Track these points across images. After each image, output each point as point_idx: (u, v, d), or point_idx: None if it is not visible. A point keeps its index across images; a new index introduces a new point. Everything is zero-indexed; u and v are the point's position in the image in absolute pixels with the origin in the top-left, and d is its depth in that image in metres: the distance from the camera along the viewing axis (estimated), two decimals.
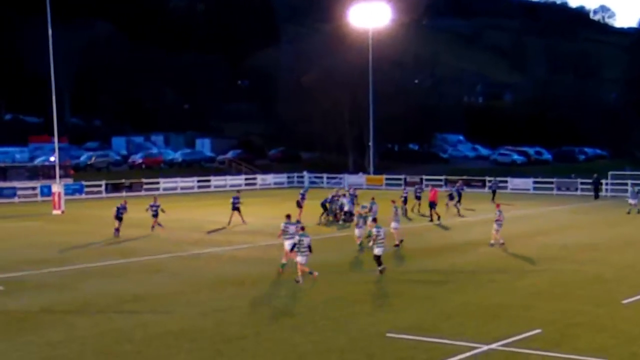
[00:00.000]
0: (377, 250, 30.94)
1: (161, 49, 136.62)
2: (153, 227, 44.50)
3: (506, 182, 78.20)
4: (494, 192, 67.49)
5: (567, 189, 75.65)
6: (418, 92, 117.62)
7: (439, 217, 50.82)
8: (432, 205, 51.20)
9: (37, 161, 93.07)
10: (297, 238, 29.71)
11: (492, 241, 38.94)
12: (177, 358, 19.73)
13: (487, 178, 76.07)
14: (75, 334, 22.07)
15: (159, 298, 26.95)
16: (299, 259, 29.32)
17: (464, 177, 77.00)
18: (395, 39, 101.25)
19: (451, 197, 57.92)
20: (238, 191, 51.91)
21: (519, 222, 50.95)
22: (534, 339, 21.23)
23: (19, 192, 70.78)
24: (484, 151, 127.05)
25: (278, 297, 26.94)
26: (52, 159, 78.10)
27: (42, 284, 29.65)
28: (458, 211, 55.87)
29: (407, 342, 20.96)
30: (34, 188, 72.17)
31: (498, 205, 40.24)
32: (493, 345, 20.58)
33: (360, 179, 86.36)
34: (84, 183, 75.17)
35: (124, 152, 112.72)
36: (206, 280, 30.21)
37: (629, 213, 55.61)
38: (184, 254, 36.66)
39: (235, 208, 48.23)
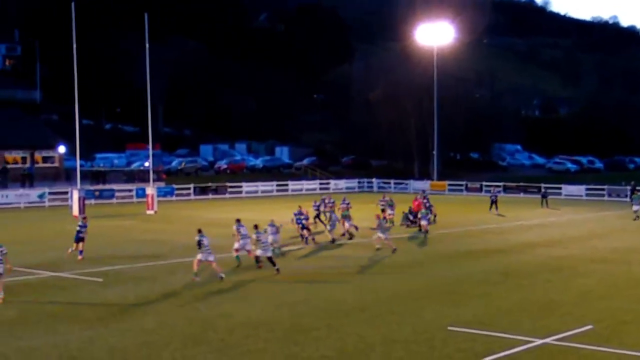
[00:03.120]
0: (258, 252, 31.06)
1: (245, 65, 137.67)
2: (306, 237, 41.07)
3: (560, 188, 77.05)
4: (544, 198, 66.43)
5: (618, 196, 74.20)
6: (479, 104, 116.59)
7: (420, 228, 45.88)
8: (415, 214, 47.52)
9: (133, 166, 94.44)
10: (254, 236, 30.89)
11: None
12: (256, 346, 19.79)
13: (543, 185, 75.05)
14: (165, 322, 22.28)
15: (240, 291, 27.09)
16: (259, 252, 30.87)
17: (521, 184, 75.97)
18: (458, 56, 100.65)
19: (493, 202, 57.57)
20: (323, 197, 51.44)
21: (573, 226, 50.18)
22: (585, 335, 20.87)
23: (117, 194, 71.78)
24: (539, 160, 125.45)
25: (348, 293, 26.86)
26: (146, 164, 79.12)
27: (137, 277, 30.01)
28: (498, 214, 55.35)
29: (467, 335, 20.75)
30: (130, 190, 73.13)
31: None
32: (547, 340, 20.27)
33: (425, 185, 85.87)
34: (175, 186, 75.91)
35: (211, 158, 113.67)
36: (282, 275, 30.25)
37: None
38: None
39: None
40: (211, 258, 29.10)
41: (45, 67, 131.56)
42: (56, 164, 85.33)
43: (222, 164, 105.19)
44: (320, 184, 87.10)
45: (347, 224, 41.56)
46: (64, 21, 58.68)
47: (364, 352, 19.27)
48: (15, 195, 68.05)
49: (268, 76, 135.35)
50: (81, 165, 65.25)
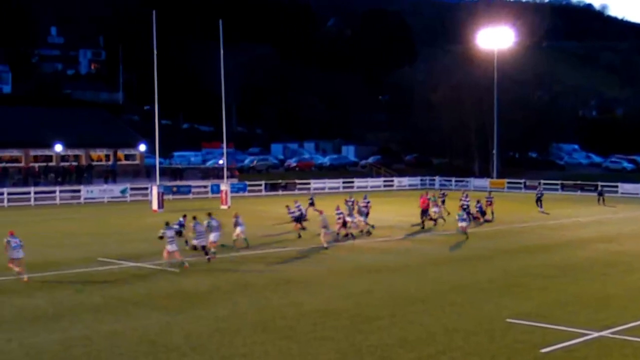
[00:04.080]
0: (195, 242, 32.13)
1: (313, 68, 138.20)
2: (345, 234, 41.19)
3: (617, 187, 75.59)
4: (600, 196, 65.15)
5: None
6: (537, 106, 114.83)
7: (423, 225, 44.43)
8: (424, 212, 44.79)
9: (209, 164, 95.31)
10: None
11: None
12: (322, 333, 19.83)
13: (599, 183, 73.62)
14: (237, 310, 22.46)
15: (308, 281, 27.16)
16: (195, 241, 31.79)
17: (578, 182, 74.72)
18: (517, 59, 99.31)
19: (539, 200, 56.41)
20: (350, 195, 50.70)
21: (628, 223, 49.19)
22: None
23: (193, 190, 72.54)
24: (596, 159, 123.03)
25: (411, 284, 26.75)
26: (220, 162, 79.82)
27: (210, 267, 30.30)
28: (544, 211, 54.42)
29: (525, 327, 20.50)
30: (205, 186, 73.86)
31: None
32: (603, 332, 19.92)
33: (484, 182, 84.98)
34: (247, 183, 76.44)
35: (281, 156, 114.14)
36: (348, 267, 30.29)
37: None
38: (331, 245, 36.82)
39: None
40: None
41: (127, 70, 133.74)
42: (137, 162, 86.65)
43: (292, 162, 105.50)
44: (385, 181, 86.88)
45: (362, 221, 41.13)
46: (145, 28, 59.54)
47: (425, 342, 19.17)
48: (100, 191, 69.29)
49: (335, 78, 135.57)
50: (160, 163, 66.13)
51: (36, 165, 77.15)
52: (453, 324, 20.80)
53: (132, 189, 69.83)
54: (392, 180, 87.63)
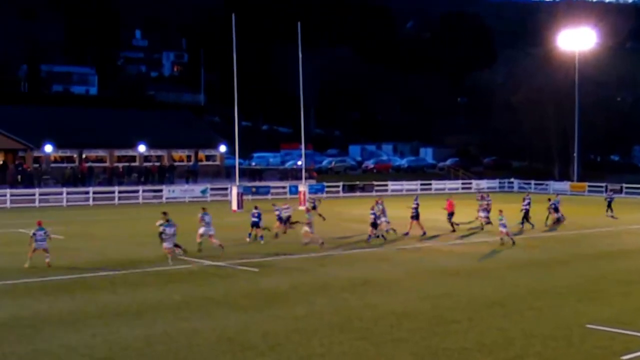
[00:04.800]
0: (200, 230, 33.74)
1: (391, 70, 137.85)
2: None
3: None
4: None
5: None
6: (620, 108, 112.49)
7: (453, 228, 43.54)
8: (450, 215, 43.95)
9: (287, 165, 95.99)
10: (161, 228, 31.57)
11: None
12: (398, 335, 19.77)
13: None
14: (314, 310, 22.55)
15: (385, 283, 27.10)
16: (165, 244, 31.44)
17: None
18: (599, 60, 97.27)
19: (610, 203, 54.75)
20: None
21: None
22: None
23: (272, 190, 73.12)
24: None
25: (489, 287, 26.46)
26: (299, 163, 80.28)
27: (289, 268, 30.50)
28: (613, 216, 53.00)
29: (605, 334, 20.08)
30: (284, 187, 74.39)
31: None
32: None
33: (564, 185, 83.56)
34: (325, 184, 76.74)
35: (359, 158, 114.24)
36: (426, 269, 30.14)
37: None
38: (407, 247, 36.72)
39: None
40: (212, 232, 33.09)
41: (209, 72, 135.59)
42: (217, 162, 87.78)
43: (370, 164, 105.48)
44: (463, 183, 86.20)
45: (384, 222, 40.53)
46: (227, 31, 60.31)
47: (503, 346, 18.94)
48: (181, 190, 70.44)
49: (414, 80, 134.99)
50: (240, 164, 66.90)
51: (120, 165, 78.82)
52: (531, 329, 20.51)
53: (212, 189, 70.78)
54: (470, 183, 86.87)
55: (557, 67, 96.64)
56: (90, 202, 62.89)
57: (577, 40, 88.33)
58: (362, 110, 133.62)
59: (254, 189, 71.26)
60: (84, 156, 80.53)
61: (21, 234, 34.32)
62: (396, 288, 26.19)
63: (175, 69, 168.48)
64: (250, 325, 20.78)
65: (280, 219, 40.99)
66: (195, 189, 71.30)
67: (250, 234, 38.37)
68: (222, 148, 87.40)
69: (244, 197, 61.14)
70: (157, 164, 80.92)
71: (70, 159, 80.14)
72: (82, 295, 24.70)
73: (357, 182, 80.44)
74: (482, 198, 47.33)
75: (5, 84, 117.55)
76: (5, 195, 62.18)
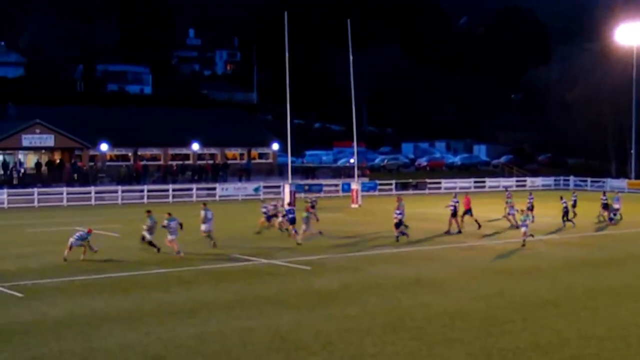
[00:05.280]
0: (202, 227, 34.72)
1: (444, 67, 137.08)
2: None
3: None
4: None
5: None
6: None
7: (459, 229, 42.18)
8: (468, 212, 42.97)
9: (340, 162, 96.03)
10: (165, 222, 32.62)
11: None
12: (452, 335, 19.67)
13: None
14: (366, 309, 22.53)
15: (438, 282, 26.97)
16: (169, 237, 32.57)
17: None
18: None
19: None
20: (508, 190, 50.09)
21: None
22: None
23: (325, 188, 73.21)
24: None
25: (542, 287, 26.16)
26: (351, 160, 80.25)
27: (341, 266, 30.53)
28: None
29: None
30: (336, 185, 74.44)
31: None
32: None
33: (622, 183, 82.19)
34: (378, 182, 76.58)
35: (412, 156, 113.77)
36: (479, 268, 29.93)
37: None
38: (460, 245, 36.49)
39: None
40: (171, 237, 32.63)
41: (261, 71, 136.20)
42: (270, 160, 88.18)
43: (423, 162, 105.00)
44: (517, 181, 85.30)
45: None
46: (278, 29, 60.56)
47: (558, 347, 18.73)
48: (234, 188, 70.93)
49: (467, 77, 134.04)
50: (292, 162, 67.10)
51: (174, 163, 79.63)
52: (586, 330, 20.24)
53: (265, 187, 71.10)
54: (524, 181, 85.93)
55: (614, 63, 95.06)
56: (145, 200, 63.57)
57: (635, 34, 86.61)
58: (415, 108, 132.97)
59: (306, 187, 71.39)
60: (138, 154, 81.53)
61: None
62: (449, 287, 26.05)
63: (228, 68, 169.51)
64: (303, 324, 20.85)
65: (268, 216, 41.22)
66: (248, 187, 71.72)
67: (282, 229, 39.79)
68: (275, 146, 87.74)
69: (297, 195, 61.29)
70: (211, 162, 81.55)
71: (125, 158, 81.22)
72: (136, 293, 25.03)
73: (410, 180, 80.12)
74: (510, 196, 46.64)
75: (62, 85, 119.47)
76: (62, 194, 63.24)
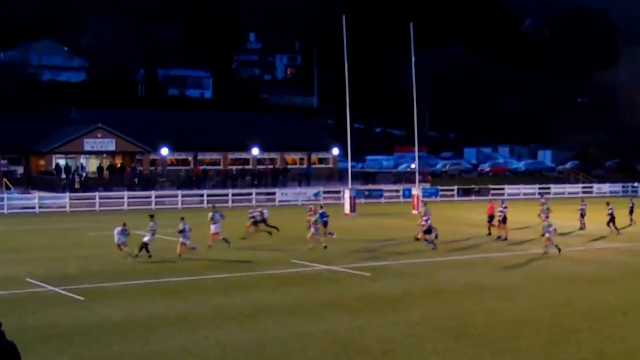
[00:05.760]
0: (212, 227, 36.32)
1: (509, 69, 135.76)
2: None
3: None
4: None
5: None
6: None
7: (489, 232, 42.65)
8: (491, 219, 43.00)
9: (401, 168, 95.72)
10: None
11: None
12: (517, 344, 19.39)
13: None
14: (429, 316, 22.35)
15: (502, 289, 26.64)
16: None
17: None
18: None
19: None
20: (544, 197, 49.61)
21: None
22: None
23: (385, 194, 73.01)
24: None
25: (611, 295, 25.66)
26: (413, 166, 79.91)
27: (402, 272, 30.38)
28: None
29: None
30: (397, 191, 74.17)
31: None
32: None
33: None
34: (439, 187, 76.11)
35: (474, 161, 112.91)
36: (544, 275, 29.49)
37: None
38: (526, 253, 36.01)
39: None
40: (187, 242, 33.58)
41: (322, 75, 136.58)
42: (330, 165, 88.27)
43: (486, 167, 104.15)
44: (583, 188, 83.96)
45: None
46: (339, 32, 60.64)
47: (626, 357, 18.34)
48: (294, 194, 71.16)
49: (532, 80, 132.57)
50: (353, 167, 67.06)
51: (234, 168, 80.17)
52: None
53: (325, 192, 71.18)
54: (591, 187, 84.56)
55: None
56: (205, 205, 64.09)
57: None
58: (478, 112, 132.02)
59: (367, 193, 71.31)
60: (198, 159, 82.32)
61: (137, 236, 35.34)
62: (514, 294, 25.72)
63: (288, 72, 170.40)
64: (364, 329, 20.77)
65: (255, 222, 41.44)
66: (308, 192, 71.88)
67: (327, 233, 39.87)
68: (335, 151, 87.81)
69: (357, 201, 61.22)
70: (271, 167, 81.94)
71: (185, 162, 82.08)
72: (196, 297, 25.22)
73: (473, 186, 79.45)
74: (545, 202, 45.73)
75: (124, 88, 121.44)
76: (123, 198, 64.15)
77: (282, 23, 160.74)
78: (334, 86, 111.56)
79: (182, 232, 33.43)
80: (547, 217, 42.71)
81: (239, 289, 26.64)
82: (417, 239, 38.83)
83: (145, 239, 33.39)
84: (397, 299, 24.90)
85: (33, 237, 43.22)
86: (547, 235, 35.07)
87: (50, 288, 26.70)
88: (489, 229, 42.87)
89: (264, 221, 41.69)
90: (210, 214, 36.95)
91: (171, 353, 18.63)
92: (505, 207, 41.33)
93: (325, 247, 36.31)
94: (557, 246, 35.21)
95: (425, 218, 37.98)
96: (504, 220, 40.65)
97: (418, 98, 64.12)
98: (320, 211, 40.65)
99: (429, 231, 37.37)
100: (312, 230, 36.58)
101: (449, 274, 29.94)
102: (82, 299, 24.98)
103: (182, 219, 34.16)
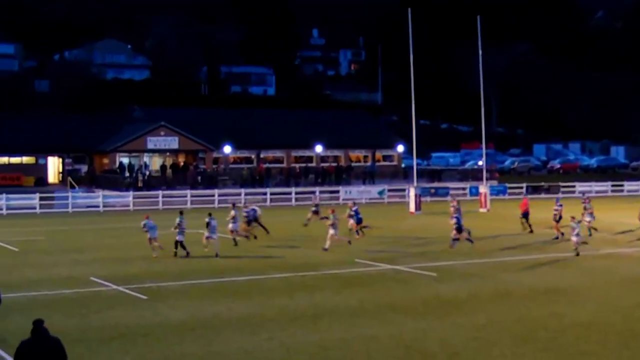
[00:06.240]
0: (229, 226, 37.22)
1: (578, 64, 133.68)
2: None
3: None
4: None
5: None
6: None
7: (531, 229, 42.64)
8: (525, 215, 43.29)
9: (467, 165, 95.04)
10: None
11: None
12: (586, 348, 19.10)
13: None
14: (495, 319, 22.14)
15: (570, 292, 26.24)
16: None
17: None
18: None
19: None
20: None
21: None
22: None
23: (451, 192, 72.42)
24: None
25: None
26: (480, 163, 79.23)
27: (467, 273, 30.14)
28: None
29: None
30: (464, 188, 73.58)
31: None
32: None
33: None
34: (507, 185, 75.33)
35: (544, 158, 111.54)
36: (616, 278, 28.97)
37: None
38: (594, 253, 35.41)
39: None
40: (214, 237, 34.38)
41: (386, 70, 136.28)
42: (395, 162, 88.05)
43: (555, 164, 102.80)
44: None
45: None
46: (403, 26, 60.40)
47: None
48: (358, 192, 71.05)
49: (603, 74, 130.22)
50: (418, 164, 66.73)
51: (297, 166, 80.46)
52: None
53: (389, 190, 70.97)
54: None
55: None
56: (268, 203, 64.46)
57: None
58: (547, 108, 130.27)
59: (432, 190, 70.91)
60: (261, 157, 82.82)
61: (199, 235, 35.74)
62: (583, 297, 25.32)
63: (352, 68, 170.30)
64: (428, 332, 20.68)
65: (248, 220, 41.10)
66: (372, 190, 71.76)
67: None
68: (400, 148, 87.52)
69: (422, 199, 60.92)
70: (334, 164, 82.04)
71: (248, 160, 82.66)
72: (258, 297, 25.38)
73: (542, 183, 78.43)
74: (587, 201, 44.65)
75: (186, 86, 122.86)
76: (185, 196, 64.86)
77: (346, 18, 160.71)
78: (399, 81, 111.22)
79: (207, 225, 34.46)
80: (593, 217, 41.94)
81: (302, 290, 26.73)
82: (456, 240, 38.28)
83: (178, 238, 33.99)
84: (462, 301, 24.71)
85: (97, 236, 43.99)
86: (574, 238, 33.98)
87: (114, 287, 27.17)
88: (523, 225, 43.05)
89: (255, 219, 41.38)
90: (233, 212, 37.69)
91: (232, 354, 18.80)
92: (560, 205, 40.78)
93: (350, 242, 36.68)
94: (578, 247, 34.20)
95: (455, 216, 37.67)
96: (559, 219, 40.11)
97: (485, 93, 63.54)
98: (354, 208, 40.90)
99: (460, 229, 36.90)
100: (331, 230, 35.78)
101: (516, 275, 29.60)
102: (144, 297, 25.36)
103: (210, 214, 35.16)
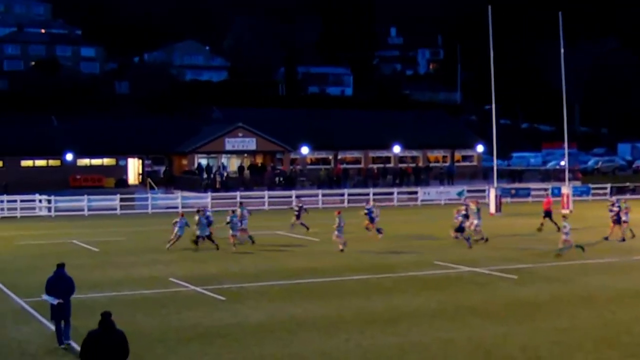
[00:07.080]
0: (197, 232, 36.74)
1: None
2: None
3: None
4: None
5: None
6: None
7: (558, 227, 40.58)
8: (548, 214, 43.81)
9: (549, 165, 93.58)
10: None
11: None
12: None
13: None
14: (578, 323, 21.81)
15: None
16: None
17: None
18: None
19: None
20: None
21: None
22: None
23: (532, 193, 71.48)
24: None
25: None
26: (562, 163, 77.94)
27: (548, 276, 29.70)
28: None
29: None
30: (545, 189, 72.44)
31: None
32: None
33: None
34: (591, 186, 73.93)
35: (629, 157, 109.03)
36: None
37: None
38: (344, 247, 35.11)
39: None
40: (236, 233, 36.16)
41: (465, 69, 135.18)
42: (474, 163, 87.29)
43: None
44: None
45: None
46: (483, 25, 59.86)
47: None
48: (437, 192, 70.67)
49: None
50: (498, 164, 66.02)
51: (375, 166, 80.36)
52: None
53: (468, 191, 70.32)
54: None
55: None
56: (345, 204, 64.47)
57: None
58: (633, 105, 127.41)
59: (513, 191, 70.07)
60: (338, 158, 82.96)
61: (277, 236, 36.01)
62: None
63: (430, 67, 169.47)
64: (509, 337, 20.46)
65: (298, 215, 42.81)
66: (451, 190, 71.23)
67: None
68: (480, 148, 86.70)
69: (503, 200, 60.23)
70: (412, 165, 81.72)
71: (325, 161, 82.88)
72: (336, 299, 25.45)
73: (627, 184, 76.69)
74: (614, 204, 43.22)
75: (264, 87, 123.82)
76: (263, 197, 65.34)
77: (424, 17, 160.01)
78: (478, 80, 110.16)
79: (229, 223, 36.08)
80: (627, 217, 41.00)
81: (380, 292, 26.71)
82: (476, 240, 38.06)
83: (198, 232, 36.05)
84: (544, 305, 24.37)
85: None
86: (565, 237, 33.75)
87: (192, 287, 27.56)
88: (542, 225, 43.69)
89: (298, 216, 43.22)
90: (239, 211, 38.26)
91: (310, 356, 18.90)
92: (619, 207, 39.89)
93: (342, 250, 35.86)
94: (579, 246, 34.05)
95: (457, 215, 37.92)
96: (617, 221, 39.36)
97: (568, 91, 62.54)
98: (367, 207, 41.17)
99: (461, 229, 36.96)
100: (336, 232, 35.78)
101: (600, 278, 29.06)
102: (223, 298, 25.66)
103: (233, 211, 37.08)
